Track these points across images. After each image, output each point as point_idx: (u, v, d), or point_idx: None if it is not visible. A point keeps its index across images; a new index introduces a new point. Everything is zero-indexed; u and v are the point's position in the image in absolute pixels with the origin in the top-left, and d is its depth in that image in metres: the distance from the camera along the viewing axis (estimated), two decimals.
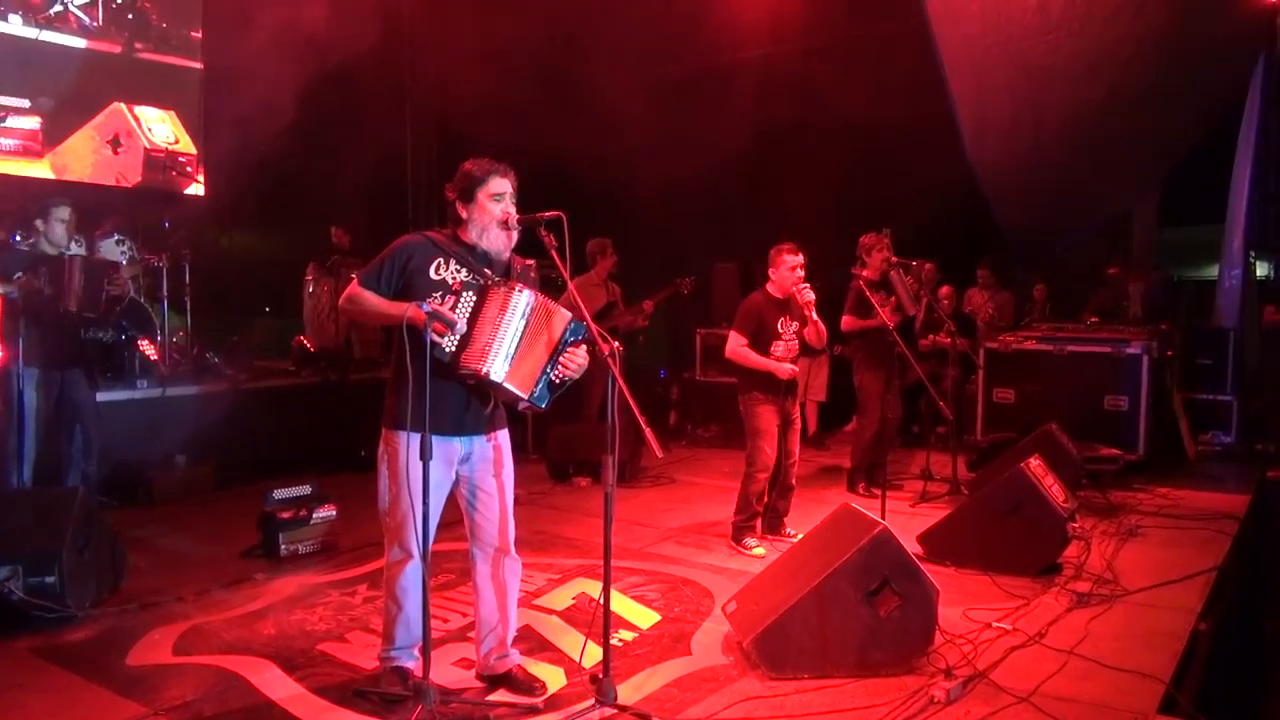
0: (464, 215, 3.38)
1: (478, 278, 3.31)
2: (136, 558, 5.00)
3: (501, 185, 3.37)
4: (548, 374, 3.28)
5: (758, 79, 10.19)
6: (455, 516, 3.56)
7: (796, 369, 5.46)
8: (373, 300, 3.30)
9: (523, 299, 3.21)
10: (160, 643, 4.02)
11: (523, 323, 3.21)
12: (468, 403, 3.34)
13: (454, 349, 3.18)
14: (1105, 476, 6.56)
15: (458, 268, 3.34)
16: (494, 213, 3.35)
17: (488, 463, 3.45)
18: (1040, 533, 4.87)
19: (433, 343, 3.13)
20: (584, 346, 3.32)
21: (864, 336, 6.54)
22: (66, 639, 4.04)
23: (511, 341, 3.19)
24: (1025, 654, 3.86)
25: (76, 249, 6.30)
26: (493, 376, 3.16)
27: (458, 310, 3.20)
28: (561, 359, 3.28)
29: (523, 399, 3.26)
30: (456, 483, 3.45)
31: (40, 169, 8.01)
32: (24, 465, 5.33)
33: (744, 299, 5.62)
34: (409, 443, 3.23)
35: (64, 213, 5.45)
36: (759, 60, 10.21)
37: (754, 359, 5.37)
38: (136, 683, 3.63)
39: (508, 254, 3.43)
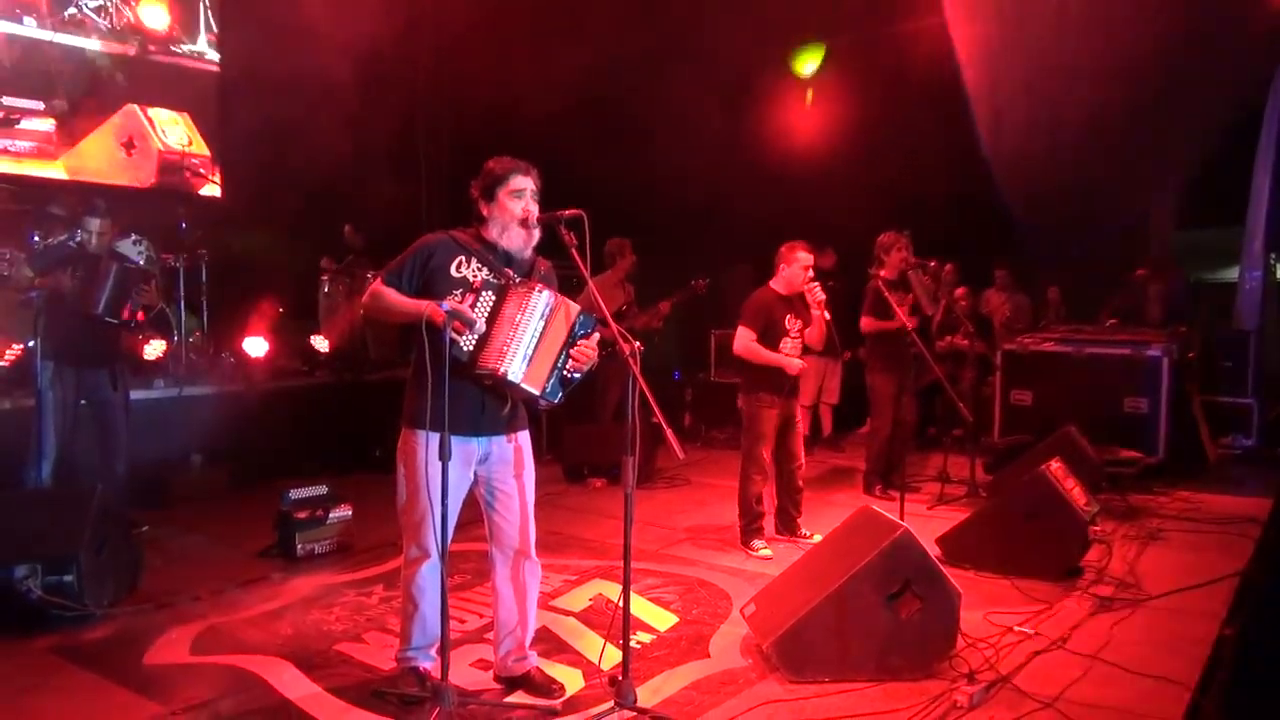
0: (485, 213, 3.37)
1: (498, 277, 3.30)
2: (152, 557, 5.01)
3: (522, 183, 3.35)
4: (560, 369, 3.27)
5: (774, 81, 10.17)
6: (471, 517, 3.54)
7: (805, 364, 5.42)
8: (394, 297, 3.29)
9: (541, 299, 3.20)
10: (177, 642, 4.02)
11: (541, 323, 3.20)
12: (485, 403, 3.32)
13: (472, 349, 3.16)
14: (1124, 479, 6.50)
15: (479, 266, 3.33)
16: (514, 211, 3.33)
17: (507, 464, 3.43)
18: (1062, 536, 4.83)
19: (451, 342, 3.11)
20: (594, 339, 3.31)
21: (879, 337, 6.49)
22: (84, 638, 4.04)
23: (530, 342, 3.18)
24: (1048, 659, 3.82)
25: (138, 260, 6.35)
26: (510, 377, 3.14)
27: (477, 309, 3.18)
28: (572, 353, 3.27)
29: (537, 396, 3.25)
30: (475, 483, 3.44)
31: (55, 170, 8.03)
32: (42, 463, 5.33)
33: (750, 294, 5.58)
34: (427, 442, 3.22)
35: (93, 225, 5.49)
36: (775, 61, 10.19)
37: (765, 354, 5.33)
38: (154, 682, 3.62)
39: (529, 252, 3.41)
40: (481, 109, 9.52)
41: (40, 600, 4.06)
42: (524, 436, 3.49)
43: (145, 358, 6.74)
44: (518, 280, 3.29)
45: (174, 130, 8.86)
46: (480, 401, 3.30)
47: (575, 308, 3.30)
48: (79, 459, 5.52)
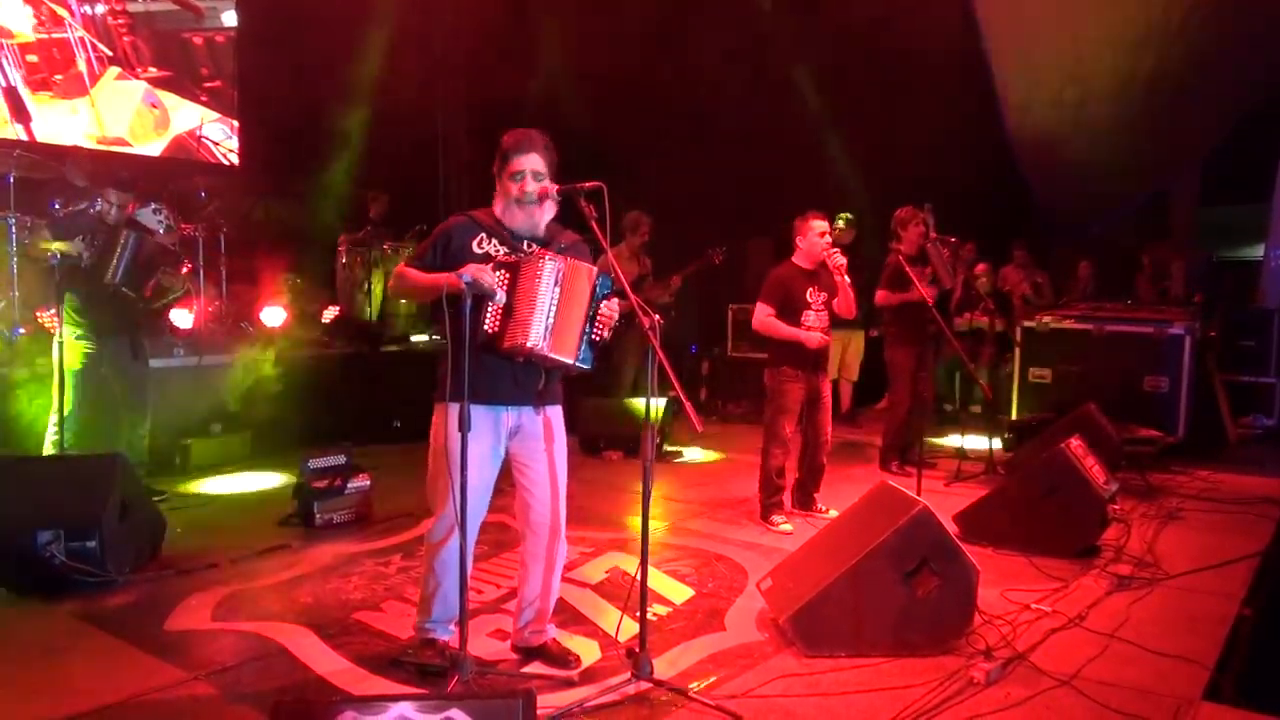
0: (497, 188, 3.38)
1: (513, 253, 3.29)
2: (173, 525, 5.04)
3: (521, 164, 3.29)
4: (588, 334, 3.26)
5: (792, 51, 10.05)
6: (497, 488, 3.54)
7: (827, 338, 5.39)
8: (416, 275, 3.30)
9: (550, 266, 3.18)
10: (198, 609, 4.06)
11: (557, 290, 3.18)
12: (515, 374, 3.31)
13: (496, 329, 3.14)
14: (1144, 458, 6.46)
15: (498, 244, 3.33)
16: (510, 191, 3.31)
17: (537, 439, 3.42)
18: (1080, 514, 4.81)
19: (476, 324, 3.09)
20: (615, 299, 3.30)
21: (899, 312, 6.45)
22: (107, 603, 4.08)
23: (549, 311, 3.16)
24: (1065, 636, 3.81)
25: (157, 229, 6.38)
26: (537, 349, 3.14)
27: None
28: (599, 317, 3.26)
29: (570, 364, 3.24)
30: (510, 457, 3.43)
31: (83, 103, 7.97)
32: (65, 430, 5.38)
33: (771, 270, 5.55)
34: (454, 415, 3.22)
35: (114, 196, 5.56)
36: (793, 32, 10.07)
37: (782, 329, 5.30)
38: (176, 647, 3.66)
39: (540, 230, 3.38)
40: (501, 84, 9.46)
41: (63, 566, 4.10)
42: (555, 411, 3.48)
43: (177, 327, 6.82)
44: (527, 253, 3.28)
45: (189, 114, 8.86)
46: (511, 372, 3.30)
47: (592, 269, 3.28)
48: (101, 427, 5.57)
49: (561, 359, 3.20)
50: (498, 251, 3.30)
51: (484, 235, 3.33)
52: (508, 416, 3.36)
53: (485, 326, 3.15)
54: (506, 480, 3.50)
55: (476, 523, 3.42)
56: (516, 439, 3.41)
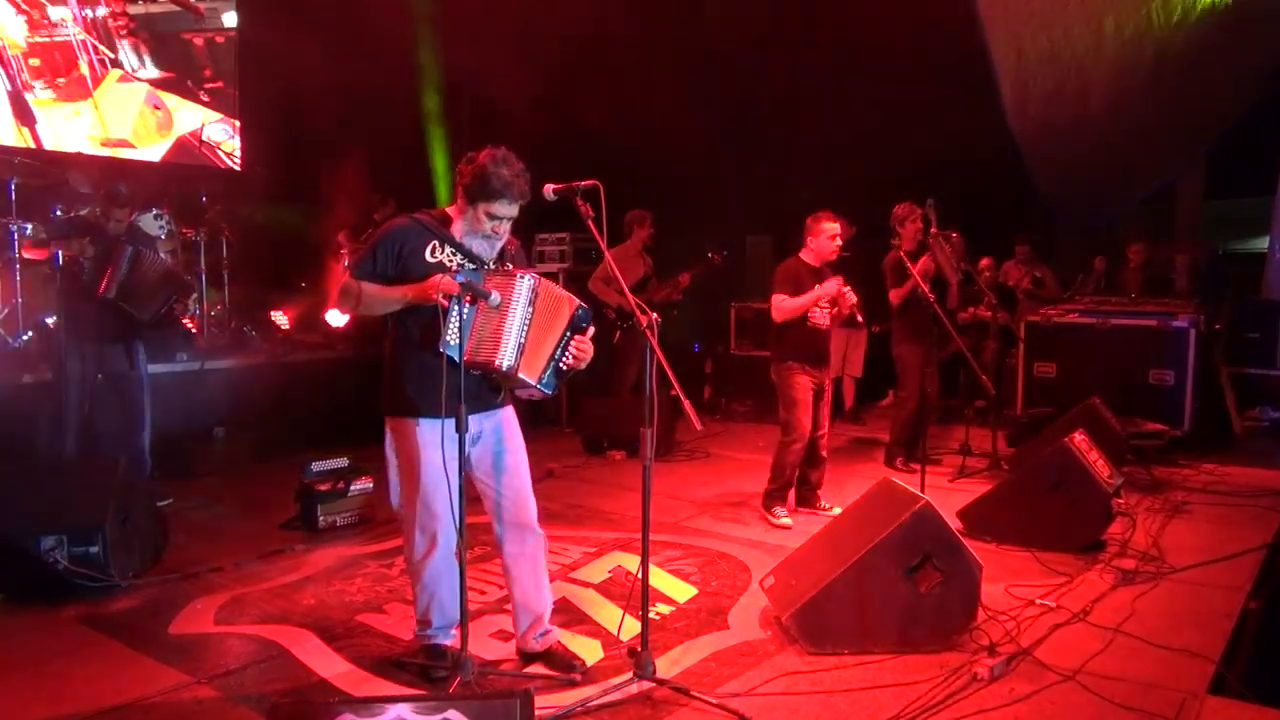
0: (459, 205, 3.28)
1: (474, 263, 3.25)
2: (176, 529, 5.06)
3: (504, 210, 3.21)
4: (556, 361, 3.22)
5: (790, 50, 10.03)
6: (474, 494, 3.52)
7: (847, 294, 5.34)
8: (378, 289, 3.20)
9: (524, 285, 3.13)
10: (202, 612, 4.07)
11: (530, 310, 3.14)
12: (478, 383, 3.27)
13: (457, 341, 3.07)
14: (1149, 452, 6.43)
15: (452, 252, 3.27)
16: (483, 228, 3.24)
17: (502, 438, 3.41)
18: (1084, 509, 4.79)
19: (435, 331, 3.04)
20: (590, 333, 3.28)
21: (906, 308, 6.42)
22: (111, 608, 4.09)
23: (520, 329, 3.12)
24: (1069, 631, 3.79)
25: (159, 235, 6.37)
26: (504, 368, 3.10)
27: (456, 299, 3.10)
28: (571, 348, 3.23)
29: (531, 385, 3.20)
30: (471, 465, 3.40)
31: (86, 106, 7.99)
32: (66, 434, 5.40)
33: (779, 264, 5.56)
34: (426, 427, 3.21)
35: (115, 212, 5.53)
36: (791, 31, 10.04)
37: (798, 300, 5.29)
38: (180, 651, 3.67)
39: (491, 257, 3.34)
40: (503, 84, 9.46)
41: (67, 571, 4.11)
42: (510, 411, 3.48)
43: (189, 331, 6.84)
44: (494, 268, 3.25)
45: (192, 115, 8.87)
46: (473, 380, 3.22)
47: (574, 300, 3.25)
48: (101, 431, 5.58)
49: (525, 379, 3.16)
50: (451, 261, 3.24)
51: (436, 243, 3.25)
52: (472, 423, 3.29)
53: (448, 337, 3.06)
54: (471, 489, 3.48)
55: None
56: (480, 444, 3.38)
